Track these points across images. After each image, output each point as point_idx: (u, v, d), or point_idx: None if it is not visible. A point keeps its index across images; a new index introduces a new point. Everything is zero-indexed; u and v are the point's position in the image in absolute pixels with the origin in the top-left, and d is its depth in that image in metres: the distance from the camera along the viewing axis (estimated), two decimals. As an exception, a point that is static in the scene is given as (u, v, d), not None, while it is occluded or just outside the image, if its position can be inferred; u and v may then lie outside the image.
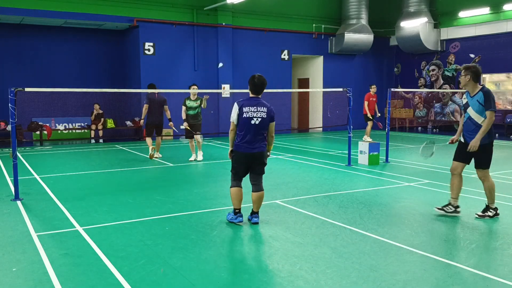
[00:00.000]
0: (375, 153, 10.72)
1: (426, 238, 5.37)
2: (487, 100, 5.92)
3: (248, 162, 5.72)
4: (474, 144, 5.93)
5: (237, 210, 5.87)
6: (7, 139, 13.11)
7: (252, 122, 5.61)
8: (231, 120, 5.75)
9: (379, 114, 16.11)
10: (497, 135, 18.21)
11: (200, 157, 11.52)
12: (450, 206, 6.30)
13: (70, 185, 8.51)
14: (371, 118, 15.14)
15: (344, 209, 6.64)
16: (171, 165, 10.93)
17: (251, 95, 5.78)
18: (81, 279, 4.17)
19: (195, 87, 11.01)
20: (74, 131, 17.01)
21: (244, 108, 5.63)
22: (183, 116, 11.06)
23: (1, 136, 15.31)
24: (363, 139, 14.77)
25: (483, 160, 6.11)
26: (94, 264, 4.53)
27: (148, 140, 11.54)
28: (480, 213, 6.24)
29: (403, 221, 6.03)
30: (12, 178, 7.68)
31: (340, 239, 5.29)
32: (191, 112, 11.06)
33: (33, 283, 4.10)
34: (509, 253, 4.83)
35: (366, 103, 15.16)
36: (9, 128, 14.51)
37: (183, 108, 11.06)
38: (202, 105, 11.03)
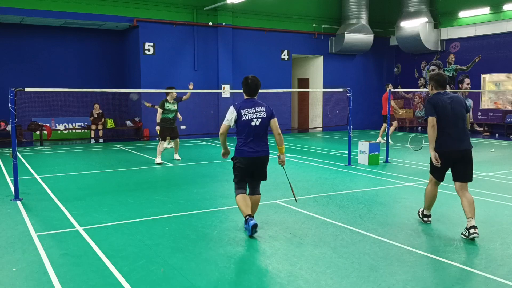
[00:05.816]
0: (375, 153, 10.72)
1: (426, 238, 5.37)
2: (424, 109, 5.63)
3: (253, 168, 5.44)
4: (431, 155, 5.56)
5: (247, 216, 5.35)
6: (7, 139, 13.11)
7: (253, 124, 5.40)
8: (226, 123, 5.43)
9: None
10: (497, 135, 18.23)
11: (178, 156, 11.68)
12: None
13: (70, 185, 8.51)
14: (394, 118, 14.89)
15: (344, 209, 6.64)
16: (171, 165, 10.93)
17: (246, 96, 5.59)
18: (81, 279, 4.17)
19: (173, 89, 10.99)
20: (74, 131, 17.00)
21: (242, 111, 5.41)
22: (158, 119, 10.85)
23: (1, 136, 15.31)
24: (383, 139, 14.67)
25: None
26: (94, 264, 4.53)
27: None
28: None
29: (403, 221, 6.03)
30: (12, 178, 7.68)
31: (340, 239, 5.29)
32: (169, 115, 10.99)
33: (33, 283, 4.10)
34: (509, 253, 4.83)
35: (391, 102, 13.45)
36: (9, 128, 14.50)
37: (160, 111, 10.85)
38: (184, 97, 11.27)
